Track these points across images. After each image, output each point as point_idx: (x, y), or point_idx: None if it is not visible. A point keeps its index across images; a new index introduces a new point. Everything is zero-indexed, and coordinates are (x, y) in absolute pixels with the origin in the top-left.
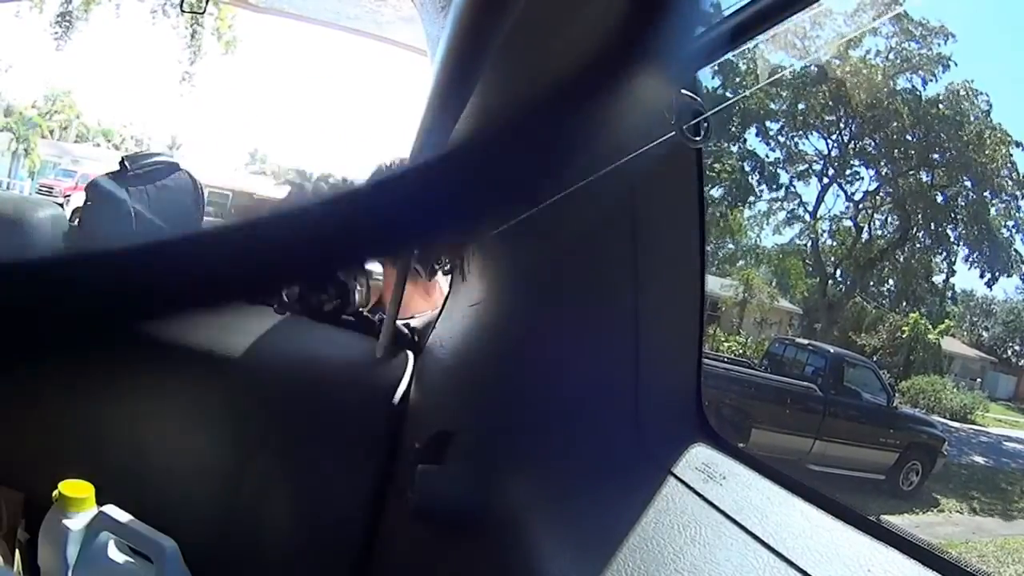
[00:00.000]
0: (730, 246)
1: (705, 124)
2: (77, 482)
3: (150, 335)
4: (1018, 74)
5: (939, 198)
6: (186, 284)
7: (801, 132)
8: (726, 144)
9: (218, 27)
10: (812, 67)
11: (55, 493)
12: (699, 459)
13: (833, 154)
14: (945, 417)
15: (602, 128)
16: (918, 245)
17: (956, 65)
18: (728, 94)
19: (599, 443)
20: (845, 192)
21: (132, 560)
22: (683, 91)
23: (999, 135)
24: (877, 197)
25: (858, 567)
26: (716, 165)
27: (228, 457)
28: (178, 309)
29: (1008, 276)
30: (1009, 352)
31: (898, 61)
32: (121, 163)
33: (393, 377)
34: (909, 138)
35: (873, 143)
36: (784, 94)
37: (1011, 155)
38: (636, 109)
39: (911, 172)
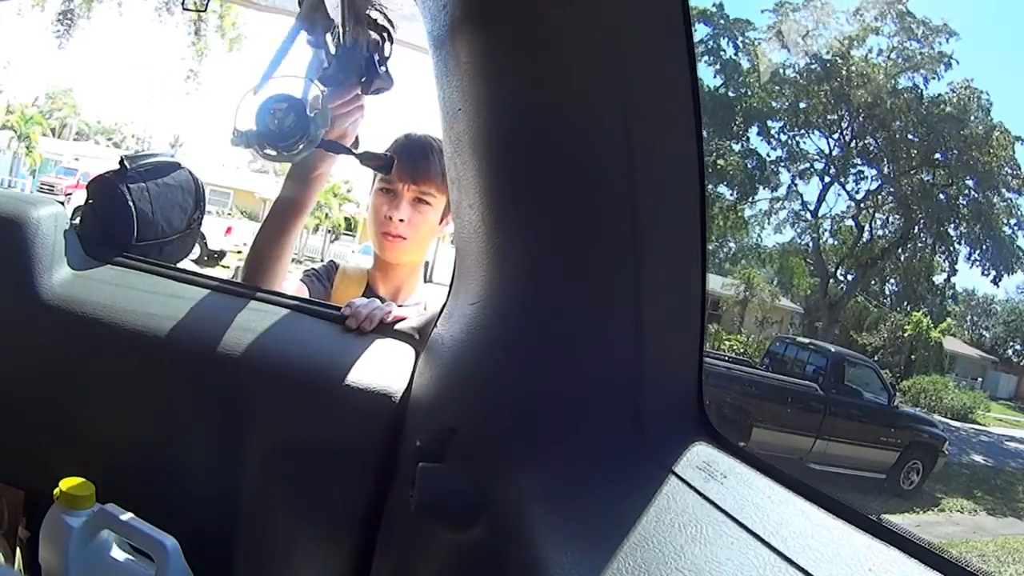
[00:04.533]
0: (731, 245)
1: None
2: (78, 480)
3: (150, 333)
4: (1020, 71)
5: (941, 197)
6: None
7: (803, 131)
8: (728, 142)
9: (222, 25)
10: (815, 66)
11: (56, 491)
12: (700, 457)
13: (835, 153)
14: (946, 416)
15: None
16: (920, 244)
17: (958, 63)
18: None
19: (600, 441)
20: (847, 191)
21: (133, 558)
22: None
23: (1001, 133)
24: (879, 196)
25: (859, 566)
26: (719, 162)
27: (229, 455)
28: None
29: (1010, 275)
30: (1010, 352)
31: (900, 60)
32: (121, 162)
33: (394, 375)
34: (911, 137)
35: (875, 142)
36: (786, 92)
37: (1013, 153)
38: None
39: (913, 171)
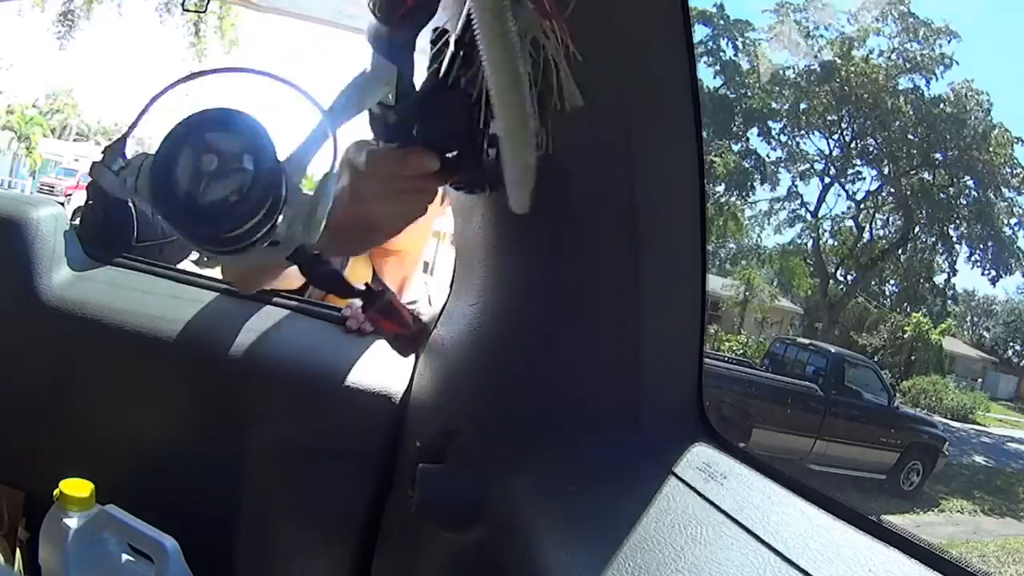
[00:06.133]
0: (731, 245)
1: None
2: (78, 481)
3: (150, 333)
4: (1020, 71)
5: (941, 197)
6: None
7: (803, 132)
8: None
9: (221, 26)
10: (815, 66)
11: (56, 492)
12: (700, 458)
13: (835, 154)
14: (946, 417)
15: None
16: (920, 245)
17: (958, 64)
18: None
19: (600, 442)
20: (847, 192)
21: (133, 559)
22: None
23: (1002, 133)
24: (879, 197)
25: (859, 567)
26: (719, 162)
27: (229, 456)
28: None
29: (1010, 275)
30: (1010, 352)
31: (901, 61)
32: None
33: (394, 376)
34: (911, 137)
35: (875, 142)
36: (786, 93)
37: (1014, 153)
38: None
39: (913, 171)
